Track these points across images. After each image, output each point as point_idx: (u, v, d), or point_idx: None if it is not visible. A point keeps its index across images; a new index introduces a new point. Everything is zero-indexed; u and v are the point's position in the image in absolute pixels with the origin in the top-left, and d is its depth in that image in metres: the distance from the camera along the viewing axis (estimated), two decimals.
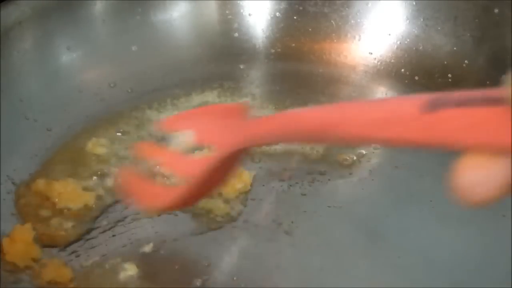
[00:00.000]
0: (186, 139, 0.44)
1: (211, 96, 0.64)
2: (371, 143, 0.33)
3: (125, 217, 0.51)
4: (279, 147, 0.58)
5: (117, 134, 0.59)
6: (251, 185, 0.54)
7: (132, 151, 0.49)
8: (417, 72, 0.65)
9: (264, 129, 0.36)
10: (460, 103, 0.25)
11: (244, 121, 0.40)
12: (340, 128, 0.29)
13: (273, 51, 0.69)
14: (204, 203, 0.52)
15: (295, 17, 0.69)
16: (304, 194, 0.54)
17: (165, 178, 0.48)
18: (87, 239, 0.49)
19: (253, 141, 0.38)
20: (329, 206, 0.53)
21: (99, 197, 0.53)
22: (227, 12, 0.69)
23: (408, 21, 0.67)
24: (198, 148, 0.45)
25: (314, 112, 0.33)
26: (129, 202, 0.45)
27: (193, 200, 0.43)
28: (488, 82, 0.61)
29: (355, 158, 0.57)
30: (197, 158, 0.44)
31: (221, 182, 0.42)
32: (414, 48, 0.66)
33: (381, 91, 0.65)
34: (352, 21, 0.68)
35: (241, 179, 0.53)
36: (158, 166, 0.46)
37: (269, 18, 0.70)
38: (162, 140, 0.54)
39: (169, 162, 0.45)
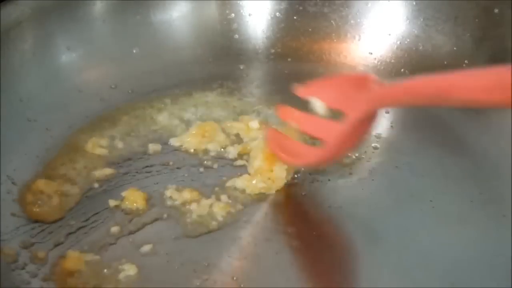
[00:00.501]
0: (319, 105, 0.50)
1: (211, 96, 0.64)
2: (480, 106, 0.39)
3: (125, 217, 0.51)
4: None
5: (117, 134, 0.59)
6: None
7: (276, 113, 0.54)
8: (417, 72, 0.64)
9: (389, 95, 0.43)
10: None
11: (371, 89, 0.45)
12: (454, 93, 0.37)
13: (273, 51, 0.69)
14: (205, 202, 0.52)
15: (295, 17, 0.69)
16: (304, 194, 0.54)
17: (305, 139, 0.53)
18: (87, 239, 0.49)
19: (379, 106, 0.45)
20: (329, 206, 0.53)
21: (99, 197, 0.53)
22: (227, 12, 0.69)
23: (408, 21, 0.67)
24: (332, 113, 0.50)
25: (433, 79, 0.39)
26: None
27: (329, 160, 0.50)
28: None
29: (355, 157, 0.57)
30: (334, 122, 0.49)
31: (354, 145, 0.49)
32: (414, 48, 0.66)
33: None
34: (352, 21, 0.68)
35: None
36: (298, 128, 0.52)
37: (269, 18, 0.70)
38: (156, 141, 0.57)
39: (309, 125, 0.52)
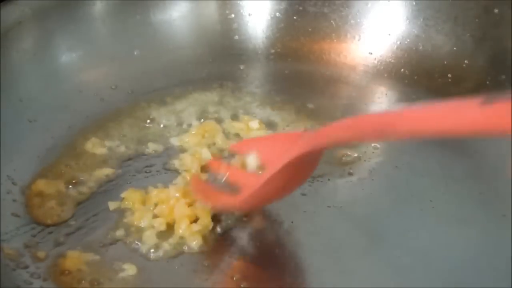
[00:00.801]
0: (252, 161, 0.51)
1: (211, 96, 0.64)
2: (429, 136, 0.38)
3: (125, 217, 0.51)
4: None
5: (117, 134, 0.59)
6: None
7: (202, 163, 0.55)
8: (417, 72, 0.65)
9: (319, 137, 0.43)
10: None
11: (303, 134, 0.47)
12: (402, 125, 0.36)
13: (273, 51, 0.69)
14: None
15: (295, 17, 0.69)
16: (304, 194, 0.54)
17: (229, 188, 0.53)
18: (87, 239, 0.49)
19: (309, 147, 0.44)
20: (329, 206, 0.53)
21: (99, 197, 0.53)
22: (227, 12, 0.69)
23: (408, 21, 0.67)
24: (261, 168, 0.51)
25: (374, 115, 0.41)
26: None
27: (252, 206, 0.50)
28: (488, 82, 0.62)
29: (355, 156, 0.57)
30: (256, 174, 0.51)
31: (279, 192, 0.49)
32: (414, 48, 0.66)
33: (381, 91, 0.65)
34: (352, 21, 0.68)
35: None
36: (224, 178, 0.53)
37: (269, 18, 0.70)
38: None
39: (234, 175, 0.52)
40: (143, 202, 0.52)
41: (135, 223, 0.50)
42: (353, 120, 0.41)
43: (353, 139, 0.42)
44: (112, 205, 0.52)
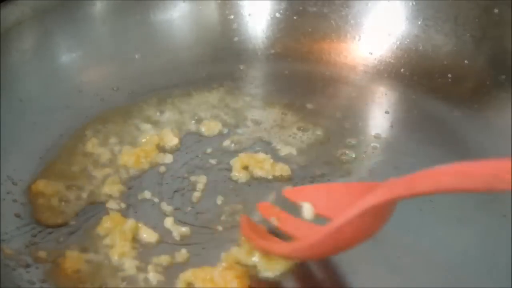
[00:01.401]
0: (308, 210, 0.46)
1: (211, 96, 0.64)
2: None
3: (125, 219, 0.51)
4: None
5: (118, 134, 0.59)
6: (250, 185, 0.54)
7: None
8: (417, 72, 0.65)
9: (411, 183, 0.37)
10: None
11: (380, 184, 0.40)
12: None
13: (273, 51, 0.69)
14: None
15: (295, 17, 0.69)
16: None
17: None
18: (87, 239, 0.49)
19: (393, 195, 0.38)
20: None
21: (99, 197, 0.53)
22: (227, 12, 0.69)
23: (408, 21, 0.67)
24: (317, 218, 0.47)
25: (485, 163, 0.37)
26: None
27: (309, 256, 0.46)
28: (488, 82, 0.62)
29: (355, 156, 0.57)
30: (316, 225, 0.46)
31: (342, 245, 0.43)
32: (414, 48, 0.66)
33: (381, 91, 0.65)
34: (352, 21, 0.68)
35: None
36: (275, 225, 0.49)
37: (269, 18, 0.70)
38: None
39: (288, 224, 0.48)
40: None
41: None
42: (461, 167, 0.35)
43: (456, 189, 0.35)
44: (112, 203, 0.52)
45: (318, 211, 0.46)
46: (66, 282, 0.46)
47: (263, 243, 0.46)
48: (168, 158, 0.56)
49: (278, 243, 0.47)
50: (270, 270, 0.46)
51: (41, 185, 0.53)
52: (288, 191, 0.51)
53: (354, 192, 0.43)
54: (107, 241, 0.48)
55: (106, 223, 0.49)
